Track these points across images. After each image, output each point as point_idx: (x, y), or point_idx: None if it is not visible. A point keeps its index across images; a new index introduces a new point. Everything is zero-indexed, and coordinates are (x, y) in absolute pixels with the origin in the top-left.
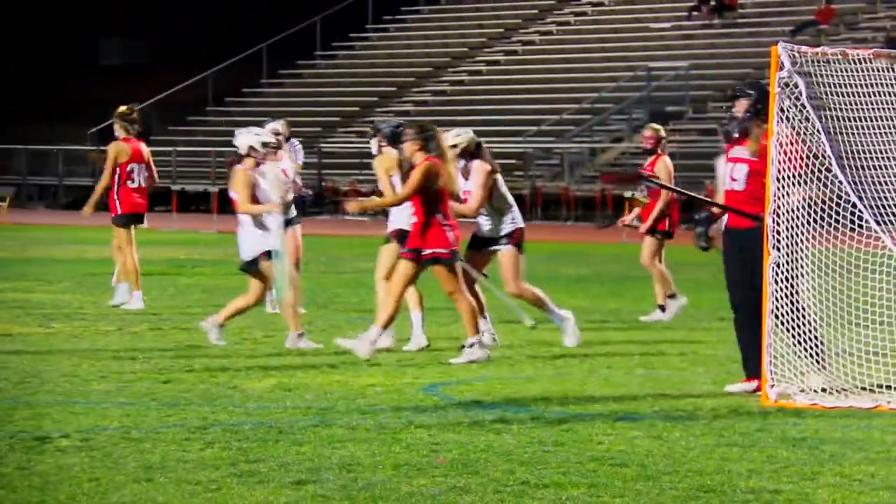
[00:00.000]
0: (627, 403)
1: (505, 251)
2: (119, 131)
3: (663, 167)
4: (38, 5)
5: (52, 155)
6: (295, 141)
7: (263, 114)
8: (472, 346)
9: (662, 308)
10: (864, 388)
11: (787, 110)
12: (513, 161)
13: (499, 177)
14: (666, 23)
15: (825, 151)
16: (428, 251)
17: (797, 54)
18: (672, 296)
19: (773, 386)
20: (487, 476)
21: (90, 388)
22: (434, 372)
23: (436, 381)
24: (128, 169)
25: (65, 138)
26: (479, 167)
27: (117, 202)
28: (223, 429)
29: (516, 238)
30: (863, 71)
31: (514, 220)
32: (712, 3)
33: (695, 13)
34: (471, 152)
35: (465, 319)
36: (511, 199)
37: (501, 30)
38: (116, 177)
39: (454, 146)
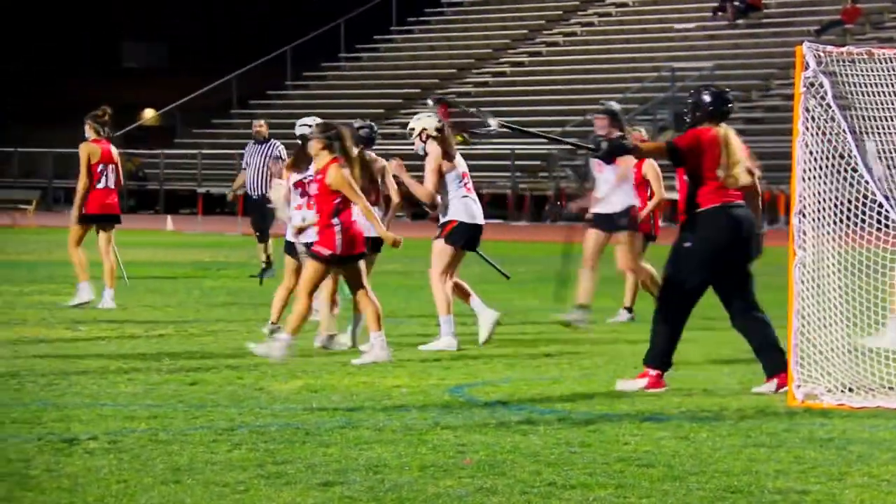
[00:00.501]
0: (653, 404)
1: (435, 242)
2: (90, 132)
3: (650, 169)
4: (60, 8)
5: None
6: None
7: (288, 116)
8: (277, 339)
9: (629, 309)
10: (891, 388)
11: (813, 110)
12: (537, 162)
13: (453, 171)
14: (690, 23)
15: (851, 151)
16: (315, 246)
17: (822, 54)
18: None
19: (799, 386)
20: (514, 477)
21: (118, 391)
22: (460, 373)
23: (462, 383)
24: (98, 169)
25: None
26: (431, 151)
27: (88, 202)
28: (250, 430)
29: (446, 231)
30: (889, 70)
31: (451, 211)
32: (736, 3)
33: (719, 13)
34: (430, 136)
35: (293, 317)
36: (459, 190)
37: (525, 31)
38: (91, 177)
39: (412, 129)
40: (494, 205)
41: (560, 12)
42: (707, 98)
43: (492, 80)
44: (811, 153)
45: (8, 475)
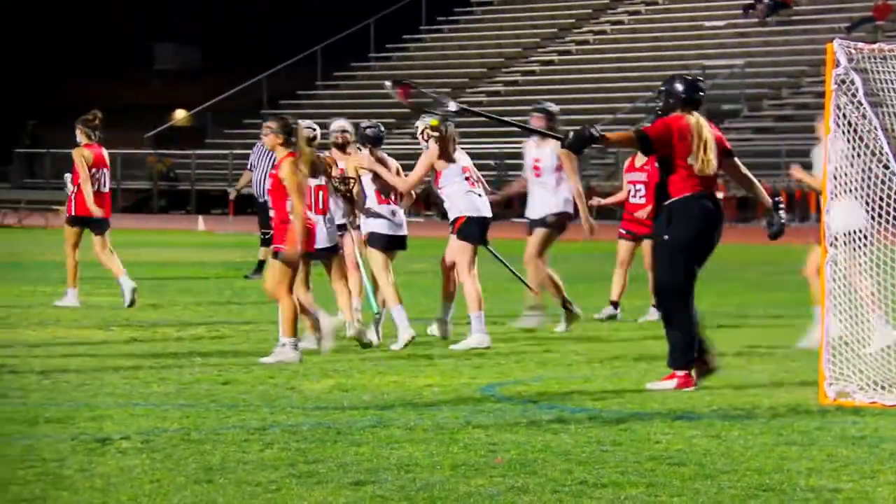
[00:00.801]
0: (685, 402)
1: (451, 239)
2: (81, 137)
3: None
4: (92, 10)
5: (110, 159)
6: None
7: (318, 116)
8: (283, 345)
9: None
10: None
11: (844, 107)
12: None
13: (452, 165)
14: (720, 21)
15: (883, 148)
16: (274, 245)
17: (853, 51)
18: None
19: (831, 384)
20: (545, 476)
21: (150, 390)
22: (491, 372)
23: (493, 381)
24: (91, 173)
25: (121, 142)
26: (428, 148)
27: (73, 204)
28: (282, 430)
29: (457, 227)
30: None
31: (458, 207)
32: (767, 0)
33: (750, 11)
34: (430, 135)
35: (284, 319)
36: (462, 185)
37: (555, 30)
38: (78, 180)
39: (416, 127)
40: (524, 203)
41: (590, 11)
42: (679, 86)
43: (521, 80)
44: (842, 150)
45: (42, 475)
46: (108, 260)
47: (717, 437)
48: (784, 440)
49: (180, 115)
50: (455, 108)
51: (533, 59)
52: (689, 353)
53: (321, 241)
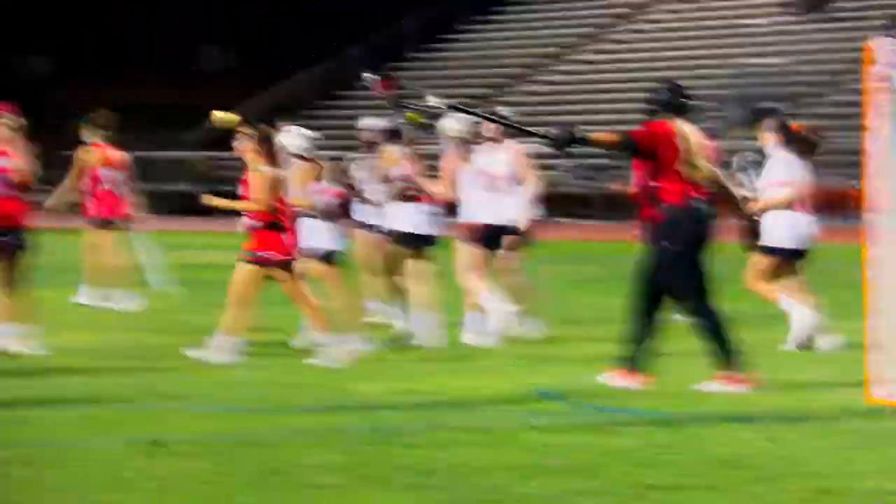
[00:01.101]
0: (739, 404)
1: (458, 243)
2: (89, 136)
3: None
4: (134, 13)
5: (151, 161)
6: None
7: (355, 115)
8: (325, 346)
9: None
10: None
11: (884, 105)
12: (604, 161)
13: (473, 163)
14: (759, 19)
15: None
16: (261, 254)
17: (894, 49)
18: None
19: (881, 385)
20: (602, 478)
21: (204, 392)
22: (544, 374)
23: (546, 383)
24: (101, 173)
25: (162, 144)
26: (448, 152)
27: (94, 205)
28: (336, 432)
29: (466, 231)
30: None
31: (469, 211)
32: None
33: (789, 9)
34: (450, 137)
35: (315, 323)
36: (476, 189)
37: (592, 29)
38: (92, 181)
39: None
40: (563, 203)
41: (627, 10)
42: (664, 93)
43: (559, 79)
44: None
45: (97, 477)
46: (90, 261)
47: (773, 440)
48: (841, 442)
49: (221, 116)
50: (435, 103)
51: (571, 58)
52: (731, 352)
53: (334, 244)
